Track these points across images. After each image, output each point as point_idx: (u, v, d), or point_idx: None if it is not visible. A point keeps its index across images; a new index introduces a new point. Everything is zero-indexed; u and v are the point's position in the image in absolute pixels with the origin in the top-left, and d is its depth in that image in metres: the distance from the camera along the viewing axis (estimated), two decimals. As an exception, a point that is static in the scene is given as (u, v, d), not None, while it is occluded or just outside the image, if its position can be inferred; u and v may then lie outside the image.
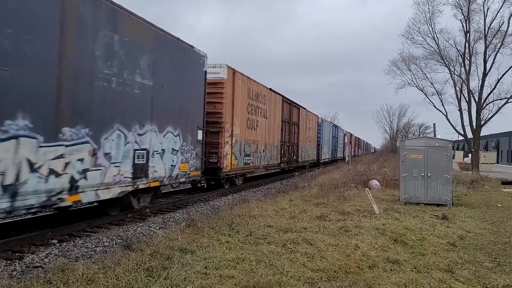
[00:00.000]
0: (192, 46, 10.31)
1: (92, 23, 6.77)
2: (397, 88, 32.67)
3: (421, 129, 78.22)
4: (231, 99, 13.14)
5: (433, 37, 27.01)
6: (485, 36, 25.21)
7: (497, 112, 25.87)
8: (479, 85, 25.83)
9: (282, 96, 19.92)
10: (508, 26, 24.40)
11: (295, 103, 22.74)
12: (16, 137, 5.39)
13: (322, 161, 32.05)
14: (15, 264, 5.40)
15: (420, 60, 28.87)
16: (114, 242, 6.69)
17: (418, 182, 11.35)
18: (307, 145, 26.27)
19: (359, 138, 73.18)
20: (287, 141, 20.99)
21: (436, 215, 9.31)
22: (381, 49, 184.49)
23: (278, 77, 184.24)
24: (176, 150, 9.65)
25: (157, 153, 8.80)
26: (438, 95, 28.87)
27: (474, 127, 25.90)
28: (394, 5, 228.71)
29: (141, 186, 8.34)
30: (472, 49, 26.07)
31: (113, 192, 7.45)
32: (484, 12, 25.06)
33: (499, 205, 11.96)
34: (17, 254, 5.87)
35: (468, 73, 26.02)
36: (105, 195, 7.25)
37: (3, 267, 5.28)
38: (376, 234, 7.14)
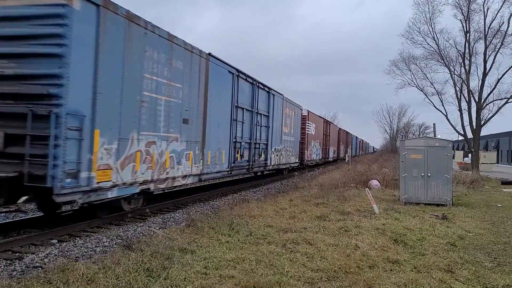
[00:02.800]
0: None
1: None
2: (397, 88, 32.65)
3: (421, 129, 78.34)
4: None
5: (433, 37, 27.05)
6: (485, 36, 25.23)
7: (497, 112, 25.91)
8: (479, 85, 25.89)
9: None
10: (508, 26, 24.45)
11: None
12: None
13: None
14: (15, 264, 5.39)
15: (420, 60, 28.93)
16: (114, 242, 6.69)
17: (418, 182, 11.35)
18: None
19: (347, 132, 50.75)
20: None
21: (436, 215, 9.30)
22: (379, 49, 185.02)
23: (278, 77, 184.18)
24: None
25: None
26: (438, 95, 28.93)
27: (474, 127, 25.91)
28: (391, 5, 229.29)
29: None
30: (472, 49, 26.10)
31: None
32: (484, 12, 25.11)
33: (499, 205, 11.96)
34: (17, 254, 5.87)
35: (468, 73, 26.02)
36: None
37: (3, 267, 5.28)
38: (376, 234, 7.14)
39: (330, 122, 36.32)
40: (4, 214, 7.98)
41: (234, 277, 4.64)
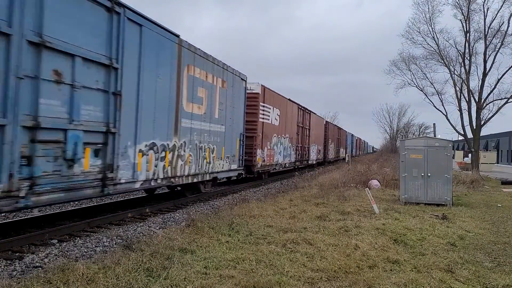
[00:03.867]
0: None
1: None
2: (397, 88, 32.73)
3: (421, 129, 78.43)
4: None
5: (433, 37, 27.10)
6: (485, 36, 25.25)
7: (497, 112, 25.92)
8: (479, 85, 25.92)
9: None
10: (508, 26, 24.46)
11: None
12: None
13: None
14: (15, 264, 5.39)
15: (420, 60, 28.97)
16: (114, 242, 6.69)
17: (418, 182, 11.35)
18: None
19: (339, 128, 42.95)
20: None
21: (436, 215, 9.30)
22: (378, 50, 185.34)
23: (277, 77, 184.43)
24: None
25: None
26: (438, 95, 28.96)
27: (474, 127, 25.92)
28: (389, 7, 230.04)
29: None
30: (472, 49, 26.13)
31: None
32: (484, 12, 25.13)
33: (499, 205, 11.96)
34: (17, 254, 5.87)
35: (468, 73, 26.03)
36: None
37: (3, 267, 5.28)
38: (376, 234, 7.14)
39: (310, 111, 25.11)
40: (4, 214, 7.99)
41: (234, 277, 4.64)
